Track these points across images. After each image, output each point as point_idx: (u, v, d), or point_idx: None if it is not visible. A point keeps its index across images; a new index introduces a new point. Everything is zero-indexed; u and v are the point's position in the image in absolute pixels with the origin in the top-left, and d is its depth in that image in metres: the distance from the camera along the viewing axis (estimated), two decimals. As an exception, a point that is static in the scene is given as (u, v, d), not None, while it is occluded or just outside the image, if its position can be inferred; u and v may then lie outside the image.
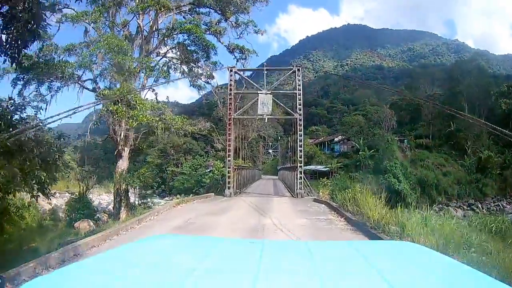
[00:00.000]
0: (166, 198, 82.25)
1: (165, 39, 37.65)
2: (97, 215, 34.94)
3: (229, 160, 29.66)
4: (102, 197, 61.59)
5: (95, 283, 2.12)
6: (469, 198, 71.71)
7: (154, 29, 36.26)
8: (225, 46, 37.38)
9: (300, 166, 28.38)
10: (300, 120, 28.50)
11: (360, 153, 77.62)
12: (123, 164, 34.00)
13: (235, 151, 77.54)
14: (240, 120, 41.51)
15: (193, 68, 39.60)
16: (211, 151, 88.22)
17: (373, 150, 76.23)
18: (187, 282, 2.06)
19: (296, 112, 28.93)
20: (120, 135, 33.62)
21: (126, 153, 34.22)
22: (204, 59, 38.31)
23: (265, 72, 29.29)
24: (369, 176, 65.09)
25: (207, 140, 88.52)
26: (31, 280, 2.11)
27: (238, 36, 37.92)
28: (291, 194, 31.74)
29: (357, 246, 3.28)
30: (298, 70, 29.15)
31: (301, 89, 28.61)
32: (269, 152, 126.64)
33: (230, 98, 28.65)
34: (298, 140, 28.56)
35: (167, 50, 38.74)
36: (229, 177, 29.33)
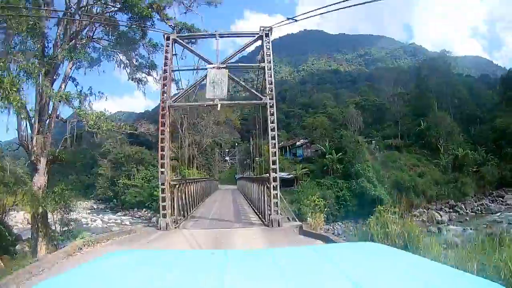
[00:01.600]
0: (119, 214, 76.19)
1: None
2: (18, 245, 27.98)
3: (162, 172, 18.26)
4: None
5: None
6: (449, 199, 67.23)
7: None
8: (170, 26, 27.03)
9: (275, 176, 17.66)
10: (272, 105, 18.24)
11: (326, 156, 70.33)
12: (39, 180, 25.24)
13: (188, 160, 71.04)
14: (190, 122, 31.96)
15: (130, 54, 30.74)
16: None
17: (341, 153, 68.83)
18: None
19: (264, 94, 18.58)
20: (32, 140, 24.95)
21: (42, 164, 25.31)
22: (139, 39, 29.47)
23: (218, 38, 19.20)
24: (338, 181, 63.59)
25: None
26: None
27: (185, 10, 28.30)
28: (261, 220, 20.77)
29: (322, 250, 3.47)
30: (267, 35, 19.02)
31: (272, 62, 18.80)
32: (225, 160, 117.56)
33: (165, 77, 18.55)
34: (269, 135, 18.14)
35: (94, 28, 29.29)
36: (163, 199, 18.03)
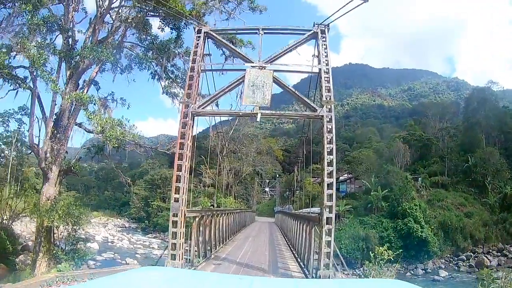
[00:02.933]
0: (149, 235, 73.78)
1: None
2: (22, 255, 27.96)
3: (175, 200, 12.98)
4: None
5: None
6: (497, 242, 60.57)
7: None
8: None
9: (329, 217, 12.55)
10: (330, 120, 13.25)
11: (371, 193, 65.51)
12: (48, 190, 22.97)
13: (226, 188, 66.86)
14: (231, 148, 28.51)
15: (163, 62, 27.70)
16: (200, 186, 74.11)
17: (386, 190, 64.24)
18: None
19: (321, 105, 13.54)
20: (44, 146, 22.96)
21: (53, 174, 22.99)
22: (173, 44, 26.80)
23: (261, 33, 14.74)
24: (383, 220, 59.05)
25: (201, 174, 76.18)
26: None
27: (227, 17, 25.70)
28: (303, 271, 15.64)
29: (347, 285, 3.58)
30: (323, 32, 14.49)
31: (329, 65, 14.19)
32: (265, 191, 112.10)
33: (191, 76, 13.75)
34: (325, 159, 13.20)
35: (125, 32, 27.04)
36: (174, 234, 12.70)
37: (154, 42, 26.43)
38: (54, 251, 22.00)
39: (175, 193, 12.77)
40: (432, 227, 56.84)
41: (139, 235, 76.02)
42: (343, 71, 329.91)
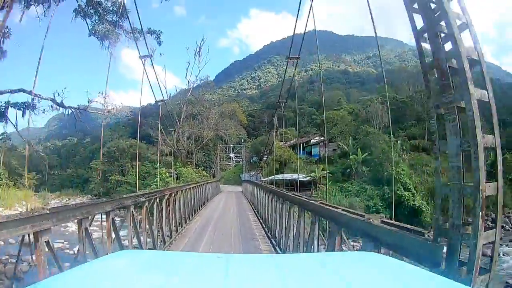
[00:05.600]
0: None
1: None
2: None
3: None
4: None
5: None
6: (488, 211, 50.34)
7: None
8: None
9: None
10: None
11: (351, 157, 59.22)
12: None
13: (186, 156, 59.66)
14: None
15: None
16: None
17: (366, 154, 59.01)
18: None
19: None
20: None
21: None
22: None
23: None
24: (366, 187, 53.82)
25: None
26: None
27: None
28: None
29: (323, 258, 3.50)
30: None
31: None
32: (230, 157, 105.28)
33: None
34: None
35: None
36: None
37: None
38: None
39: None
40: (421, 194, 51.43)
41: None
42: (307, 37, 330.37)
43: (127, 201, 11.46)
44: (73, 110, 24.40)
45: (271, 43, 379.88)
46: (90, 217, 8.92)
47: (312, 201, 10.52)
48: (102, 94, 24.32)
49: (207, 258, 3.51)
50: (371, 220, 6.20)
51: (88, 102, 24.17)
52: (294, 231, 12.99)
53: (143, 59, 18.38)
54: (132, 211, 11.63)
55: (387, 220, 6.23)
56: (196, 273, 2.66)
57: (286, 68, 24.13)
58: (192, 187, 25.60)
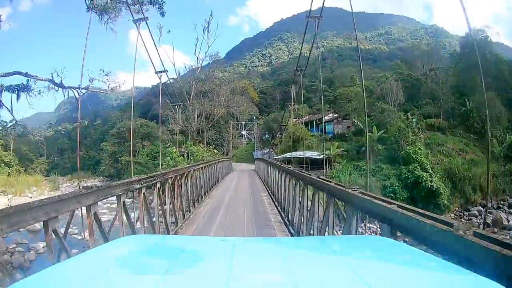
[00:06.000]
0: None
1: None
2: None
3: None
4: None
5: (73, 286, 2.06)
6: (504, 195, 52.99)
7: None
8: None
9: None
10: None
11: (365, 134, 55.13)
12: None
13: (197, 133, 58.93)
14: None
15: None
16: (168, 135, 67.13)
17: (382, 131, 57.35)
18: (160, 283, 2.01)
19: None
20: None
21: None
22: None
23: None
24: (382, 166, 51.96)
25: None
26: (9, 286, 1.98)
27: None
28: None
29: (329, 241, 3.49)
30: None
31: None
32: (242, 135, 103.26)
33: None
34: None
35: None
36: None
37: None
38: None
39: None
40: (438, 175, 49.31)
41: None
42: (317, 13, 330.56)
43: (116, 190, 9.55)
44: (73, 90, 23.64)
45: (281, 20, 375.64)
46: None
47: (348, 189, 7.42)
48: (103, 72, 23.97)
49: (212, 242, 3.62)
50: (465, 236, 4.00)
51: (90, 81, 24.04)
52: (318, 221, 11.02)
53: (137, 23, 15.95)
54: (124, 201, 9.90)
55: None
56: (202, 256, 2.65)
57: (305, 29, 21.12)
58: (202, 167, 24.14)
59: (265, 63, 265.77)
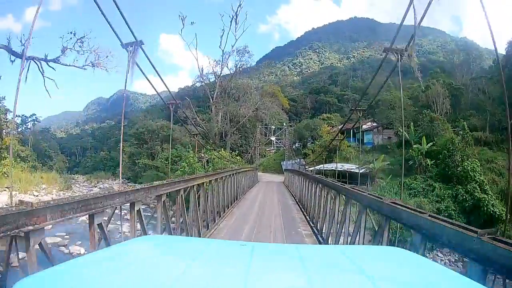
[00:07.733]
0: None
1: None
2: None
3: None
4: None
5: (89, 281, 2.07)
6: None
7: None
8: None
9: None
10: None
11: (414, 147, 49.37)
12: None
13: (220, 137, 51.81)
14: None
15: None
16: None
17: (431, 143, 49.80)
18: (177, 284, 2.02)
19: None
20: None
21: None
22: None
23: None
24: (434, 185, 43.65)
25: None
26: (21, 280, 2.01)
27: None
28: None
29: (347, 251, 3.33)
30: None
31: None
32: (271, 141, 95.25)
33: None
34: None
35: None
36: None
37: None
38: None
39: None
40: (494, 197, 40.59)
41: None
42: (348, 24, 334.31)
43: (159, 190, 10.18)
44: (36, 62, 20.12)
45: (312, 29, 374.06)
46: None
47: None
48: (80, 40, 21.43)
49: (231, 246, 3.53)
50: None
51: (62, 52, 20.25)
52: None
53: (128, 49, 8.73)
54: (164, 201, 10.62)
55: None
56: (219, 260, 2.68)
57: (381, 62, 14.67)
58: (216, 179, 18.99)
59: (296, 72, 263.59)
